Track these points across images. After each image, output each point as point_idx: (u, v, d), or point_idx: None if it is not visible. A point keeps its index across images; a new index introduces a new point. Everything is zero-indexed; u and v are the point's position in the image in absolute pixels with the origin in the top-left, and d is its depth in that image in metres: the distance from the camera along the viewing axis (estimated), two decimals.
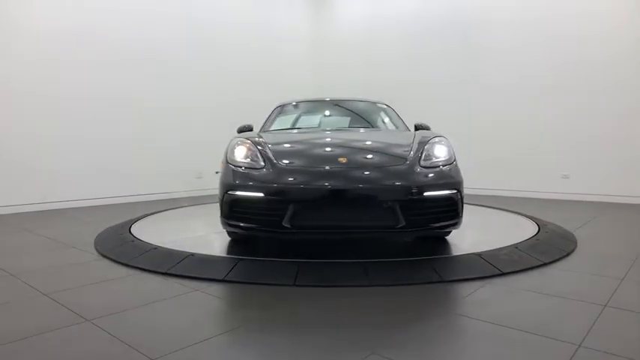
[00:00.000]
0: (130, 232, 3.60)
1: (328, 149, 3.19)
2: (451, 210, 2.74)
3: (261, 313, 2.02)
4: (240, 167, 2.94)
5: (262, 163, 2.89)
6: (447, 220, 2.75)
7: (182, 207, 5.41)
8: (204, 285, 2.40)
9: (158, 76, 6.59)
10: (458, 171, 2.90)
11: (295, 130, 4.03)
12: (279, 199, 2.67)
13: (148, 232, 3.62)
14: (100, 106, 5.96)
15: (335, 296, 2.24)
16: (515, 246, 3.02)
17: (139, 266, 2.74)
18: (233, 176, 2.89)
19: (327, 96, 4.77)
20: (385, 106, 4.38)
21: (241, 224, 2.81)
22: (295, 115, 4.43)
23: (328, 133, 3.75)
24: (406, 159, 2.84)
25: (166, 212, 4.98)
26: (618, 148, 5.78)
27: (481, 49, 6.92)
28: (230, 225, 2.88)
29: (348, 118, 4.27)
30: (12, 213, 5.10)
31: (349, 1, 8.68)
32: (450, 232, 3.16)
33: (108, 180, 5.98)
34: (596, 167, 5.96)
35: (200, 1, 7.15)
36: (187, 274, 2.55)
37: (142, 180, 6.29)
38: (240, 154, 3.05)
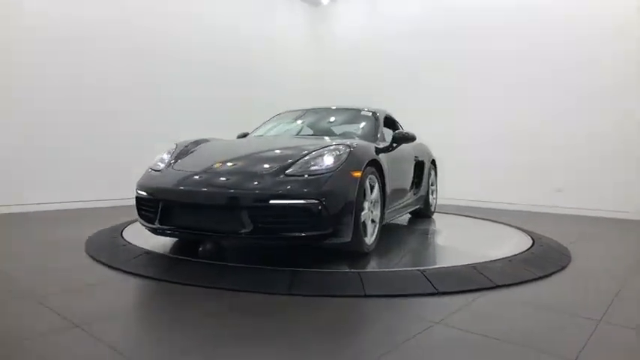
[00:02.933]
0: (122, 235, 3.56)
1: (217, 155, 3.18)
2: (310, 220, 2.59)
3: (254, 322, 1.99)
4: (150, 169, 3.21)
5: (163, 166, 3.16)
6: (305, 231, 2.61)
7: None
8: (196, 291, 2.37)
9: (158, 78, 6.60)
10: (334, 181, 2.66)
11: (250, 137, 4.23)
12: (152, 198, 2.91)
13: (141, 235, 3.57)
14: (96, 108, 5.93)
15: (330, 306, 2.22)
16: (510, 259, 3.01)
17: (130, 271, 2.69)
18: (142, 177, 3.17)
19: (321, 104, 4.79)
20: (369, 114, 4.23)
21: (143, 222, 3.05)
22: (276, 123, 4.48)
23: (257, 139, 3.92)
24: (273, 167, 2.78)
25: None
26: (612, 164, 5.84)
27: (480, 60, 6.99)
28: (141, 223, 3.09)
29: (320, 126, 4.26)
30: (2, 214, 5.02)
31: (349, 11, 8.75)
32: (349, 244, 2.83)
33: (103, 182, 5.93)
34: (590, 182, 6.01)
35: (201, 6, 7.18)
36: (179, 280, 2.51)
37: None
38: (160, 157, 3.34)
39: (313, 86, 8.83)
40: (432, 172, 5.17)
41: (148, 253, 3.00)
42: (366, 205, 2.98)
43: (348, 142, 3.08)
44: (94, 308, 2.10)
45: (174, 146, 3.47)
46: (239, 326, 1.93)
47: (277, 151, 3.13)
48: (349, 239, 2.78)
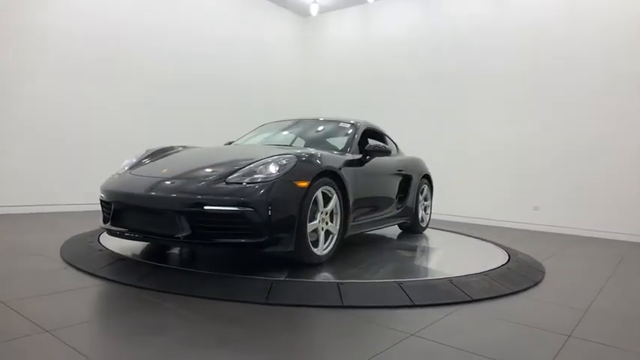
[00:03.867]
0: (98, 240, 3.50)
1: (175, 162, 3.28)
2: (244, 228, 2.62)
3: (229, 331, 1.98)
4: (115, 173, 3.33)
5: (125, 169, 3.28)
6: (240, 238, 2.64)
7: None
8: (172, 299, 2.34)
9: (146, 87, 6.58)
10: (273, 190, 2.66)
11: (221, 145, 4.30)
12: (106, 200, 3.06)
13: (118, 241, 3.52)
14: (78, 112, 5.87)
15: (307, 316, 2.22)
16: (486, 273, 3.06)
17: (106, 277, 2.65)
18: (106, 180, 3.27)
19: (310, 115, 4.84)
20: (347, 126, 4.20)
21: (101, 223, 3.13)
22: (257, 134, 4.52)
23: (221, 148, 3.95)
24: (217, 174, 2.82)
25: None
26: (591, 186, 5.99)
27: (470, 80, 7.11)
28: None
29: (298, 137, 4.30)
30: None
31: (339, 23, 8.86)
32: (294, 254, 2.84)
33: (83, 185, 5.83)
34: (566, 201, 6.15)
35: (190, 15, 7.19)
36: (155, 288, 2.48)
37: None
38: (128, 161, 3.47)
39: (302, 97, 8.90)
40: (426, 187, 5.04)
41: (124, 259, 2.96)
42: (318, 215, 2.98)
43: (298, 151, 3.07)
44: (66, 314, 2.06)
45: (144, 152, 3.58)
46: (214, 335, 1.92)
47: (230, 159, 3.13)
48: (292, 249, 2.78)
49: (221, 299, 2.37)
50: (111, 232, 3.00)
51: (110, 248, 3.23)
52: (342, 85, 8.56)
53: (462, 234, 5.23)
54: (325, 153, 3.33)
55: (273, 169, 2.80)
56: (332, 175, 3.12)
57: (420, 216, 4.91)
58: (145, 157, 3.47)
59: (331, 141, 4.08)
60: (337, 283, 2.60)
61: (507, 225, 6.55)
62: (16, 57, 5.30)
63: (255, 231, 2.63)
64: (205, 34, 7.39)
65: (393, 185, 4.37)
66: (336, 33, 8.88)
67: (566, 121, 6.20)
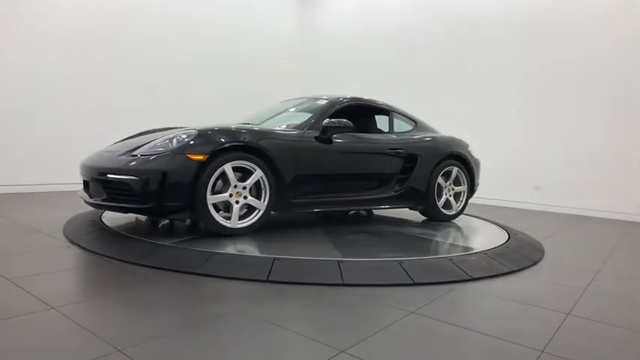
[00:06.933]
0: (101, 219, 3.52)
1: (130, 140, 3.52)
2: (133, 194, 2.88)
3: (230, 308, 2.00)
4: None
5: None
6: (132, 204, 2.92)
7: None
8: (175, 277, 2.37)
9: (145, 64, 6.52)
10: (160, 162, 2.88)
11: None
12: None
13: (121, 219, 3.55)
14: (82, 88, 5.84)
15: (307, 294, 2.24)
16: (486, 252, 3.08)
17: (109, 255, 2.68)
18: None
19: (304, 95, 4.74)
20: (323, 103, 4.01)
21: None
22: (259, 112, 4.48)
23: (183, 127, 4.10)
24: (132, 147, 3.12)
25: None
26: (593, 164, 5.97)
27: (470, 56, 7.02)
28: None
29: (291, 115, 4.21)
30: None
31: None
32: (204, 224, 3.05)
33: None
34: (567, 181, 6.14)
35: None
36: (158, 266, 2.50)
37: None
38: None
39: (301, 74, 8.75)
40: (455, 170, 4.44)
41: (126, 237, 2.98)
42: (230, 189, 3.07)
43: (210, 127, 3.14)
44: (71, 291, 2.09)
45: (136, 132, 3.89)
46: (215, 312, 1.94)
47: (160, 135, 3.31)
48: (188, 218, 3.08)
49: (223, 277, 2.40)
50: (85, 200, 3.28)
51: (112, 227, 3.26)
52: (340, 59, 8.41)
53: (463, 213, 5.23)
54: (248, 127, 3.32)
55: (173, 143, 2.99)
56: (253, 150, 3.16)
57: (441, 201, 4.38)
58: (130, 136, 3.73)
59: (297, 117, 3.92)
60: (338, 262, 2.62)
61: (508, 204, 6.57)
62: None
63: (142, 198, 2.88)
64: (195, 9, 7.21)
65: (384, 165, 4.06)
66: (335, 5, 8.69)
67: (567, 100, 6.14)
